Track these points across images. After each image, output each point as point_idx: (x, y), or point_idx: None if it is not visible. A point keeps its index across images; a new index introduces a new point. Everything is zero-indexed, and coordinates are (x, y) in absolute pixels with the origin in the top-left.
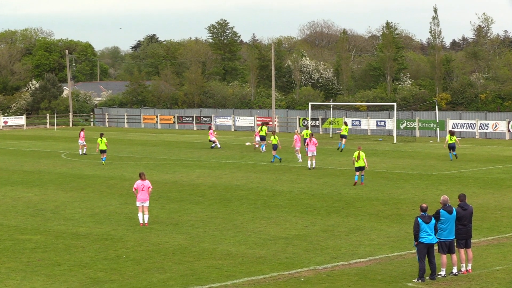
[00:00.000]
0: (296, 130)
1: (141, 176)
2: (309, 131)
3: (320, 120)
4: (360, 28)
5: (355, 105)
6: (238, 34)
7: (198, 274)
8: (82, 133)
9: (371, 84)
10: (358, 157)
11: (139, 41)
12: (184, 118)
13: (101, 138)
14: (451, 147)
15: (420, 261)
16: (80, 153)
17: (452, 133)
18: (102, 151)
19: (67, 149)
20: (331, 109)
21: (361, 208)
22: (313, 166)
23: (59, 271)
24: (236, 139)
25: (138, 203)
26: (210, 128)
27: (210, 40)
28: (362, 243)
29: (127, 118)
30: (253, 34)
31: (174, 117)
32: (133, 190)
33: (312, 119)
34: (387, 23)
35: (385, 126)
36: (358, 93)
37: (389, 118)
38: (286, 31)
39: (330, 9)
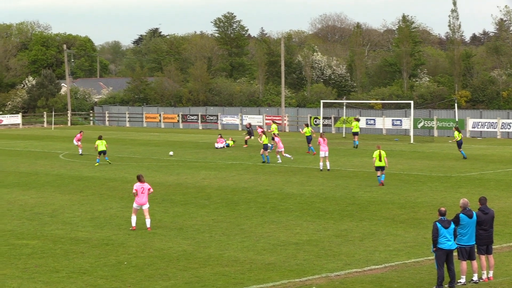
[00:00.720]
0: (276, 133)
1: (140, 179)
2: (310, 129)
3: (332, 119)
4: (375, 22)
5: (370, 103)
6: (246, 28)
7: (204, 282)
8: (79, 135)
9: (386, 80)
10: (380, 156)
11: (141, 35)
12: (188, 117)
13: (101, 140)
14: (460, 144)
15: (439, 268)
16: (80, 152)
17: (458, 129)
18: (102, 152)
19: (65, 150)
20: (344, 107)
21: (376, 212)
22: (328, 168)
23: (57, 278)
24: (243, 138)
25: (135, 205)
26: (220, 136)
27: (216, 34)
28: (377, 249)
29: (128, 117)
30: (262, 28)
31: (178, 115)
32: (133, 192)
33: (324, 118)
34: (404, 16)
35: (401, 125)
36: (372, 90)
37: (406, 117)
38: (297, 25)
39: (343, 2)
